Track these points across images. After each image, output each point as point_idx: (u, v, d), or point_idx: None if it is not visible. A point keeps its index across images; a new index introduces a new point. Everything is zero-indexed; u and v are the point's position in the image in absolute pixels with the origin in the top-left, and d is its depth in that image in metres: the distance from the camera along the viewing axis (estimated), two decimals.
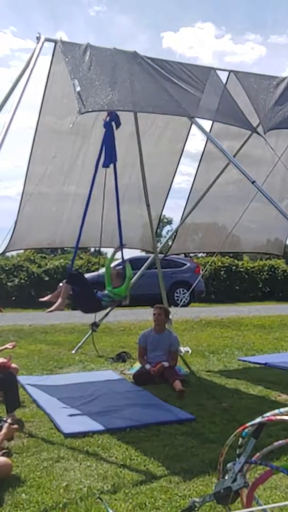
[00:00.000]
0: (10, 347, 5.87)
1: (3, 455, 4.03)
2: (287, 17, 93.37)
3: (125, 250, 7.66)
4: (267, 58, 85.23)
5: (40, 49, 5.66)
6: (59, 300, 6.55)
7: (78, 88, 4.95)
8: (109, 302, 7.02)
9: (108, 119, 6.70)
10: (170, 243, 10.19)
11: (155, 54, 6.27)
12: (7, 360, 5.46)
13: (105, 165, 6.81)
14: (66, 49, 5.60)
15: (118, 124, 6.73)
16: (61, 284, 6.80)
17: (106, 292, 6.97)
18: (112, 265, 7.44)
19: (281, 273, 22.93)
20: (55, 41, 5.81)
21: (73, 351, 9.25)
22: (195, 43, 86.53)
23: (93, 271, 18.32)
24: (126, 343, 9.98)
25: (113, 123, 6.71)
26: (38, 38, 5.72)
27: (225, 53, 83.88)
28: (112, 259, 7.69)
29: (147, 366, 7.00)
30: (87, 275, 16.68)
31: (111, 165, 6.89)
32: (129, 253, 8.21)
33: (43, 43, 5.71)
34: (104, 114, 6.75)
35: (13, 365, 5.67)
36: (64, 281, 6.75)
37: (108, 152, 6.74)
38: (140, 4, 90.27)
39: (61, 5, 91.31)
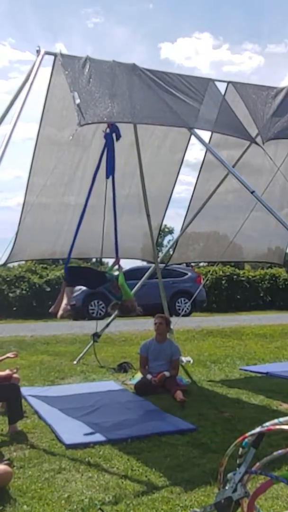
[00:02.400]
0: (12, 356, 5.90)
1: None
2: (284, 26, 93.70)
3: (126, 261, 7.68)
4: (265, 68, 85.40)
5: (40, 62, 5.72)
6: (63, 303, 6.65)
7: (77, 101, 4.99)
8: (112, 278, 6.95)
9: (108, 130, 6.75)
10: (171, 252, 10.19)
11: (153, 65, 6.40)
12: (15, 371, 5.50)
13: (108, 176, 6.86)
14: (65, 62, 5.66)
15: (118, 136, 6.78)
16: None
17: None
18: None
19: (282, 282, 22.88)
20: (55, 54, 5.87)
21: (75, 362, 9.24)
22: (193, 54, 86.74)
23: None
24: (127, 353, 9.96)
25: (113, 135, 6.76)
26: (38, 52, 5.79)
27: (223, 63, 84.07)
28: (111, 270, 7.74)
29: (149, 376, 6.98)
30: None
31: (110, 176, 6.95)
32: (130, 263, 8.24)
33: (43, 56, 5.77)
34: (104, 126, 6.80)
35: (15, 375, 5.68)
36: (64, 284, 6.86)
37: (110, 163, 6.79)
38: (137, 16, 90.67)
39: (59, 17, 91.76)
